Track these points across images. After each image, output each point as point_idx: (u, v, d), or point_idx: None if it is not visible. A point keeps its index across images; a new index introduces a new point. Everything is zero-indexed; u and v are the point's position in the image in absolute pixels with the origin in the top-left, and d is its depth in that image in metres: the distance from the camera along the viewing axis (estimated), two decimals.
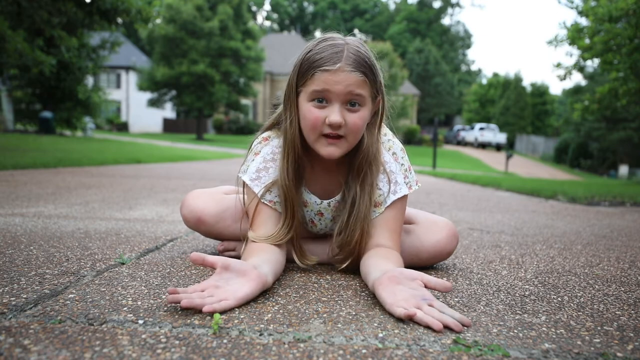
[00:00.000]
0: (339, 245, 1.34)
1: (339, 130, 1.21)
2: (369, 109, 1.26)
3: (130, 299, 1.06)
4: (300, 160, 1.31)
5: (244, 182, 1.36)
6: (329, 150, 1.24)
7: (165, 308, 1.00)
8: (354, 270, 1.34)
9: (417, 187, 1.41)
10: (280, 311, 1.02)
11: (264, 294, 1.14)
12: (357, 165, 1.31)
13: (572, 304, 1.17)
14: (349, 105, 1.21)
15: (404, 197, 1.35)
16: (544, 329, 0.98)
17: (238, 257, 1.49)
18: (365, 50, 1.24)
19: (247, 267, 1.09)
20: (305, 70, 1.21)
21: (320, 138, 1.24)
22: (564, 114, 35.42)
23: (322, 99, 1.21)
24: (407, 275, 1.07)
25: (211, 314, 0.95)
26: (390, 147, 1.39)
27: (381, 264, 1.18)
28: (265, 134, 1.38)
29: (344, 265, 1.35)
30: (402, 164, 1.39)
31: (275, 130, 1.37)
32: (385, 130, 1.40)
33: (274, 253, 1.24)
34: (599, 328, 1.00)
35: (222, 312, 0.97)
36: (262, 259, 1.18)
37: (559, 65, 10.65)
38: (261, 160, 1.34)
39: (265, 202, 1.32)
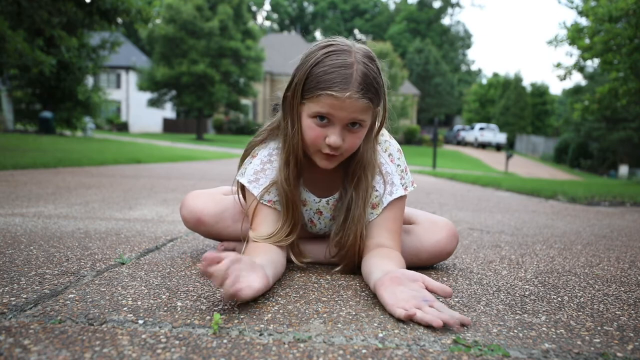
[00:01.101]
0: (336, 245, 1.35)
1: (337, 151, 1.22)
2: (369, 125, 1.26)
3: (130, 299, 1.06)
4: (301, 164, 1.31)
5: (241, 185, 1.36)
6: (325, 163, 1.26)
7: (165, 308, 1.00)
8: (354, 271, 1.34)
9: (413, 188, 1.41)
10: (280, 311, 1.02)
11: (264, 294, 1.14)
12: (352, 170, 1.32)
13: (572, 304, 1.17)
14: (350, 125, 1.21)
15: (402, 197, 1.36)
16: (544, 329, 0.98)
17: None
18: (373, 67, 1.20)
19: (255, 264, 1.09)
20: (311, 86, 1.18)
21: (318, 152, 1.25)
22: (564, 114, 35.42)
23: (324, 117, 1.20)
24: (408, 276, 1.07)
25: (232, 299, 0.97)
26: (386, 148, 1.39)
27: (383, 265, 1.18)
28: (261, 137, 1.38)
29: (339, 269, 1.36)
30: (398, 165, 1.39)
31: (271, 132, 1.37)
32: (382, 130, 1.40)
33: (275, 254, 1.24)
34: (599, 328, 1.00)
35: (237, 301, 0.99)
36: (265, 260, 1.18)
37: (559, 65, 10.65)
38: (258, 162, 1.35)
39: (264, 202, 1.32)
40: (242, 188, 1.38)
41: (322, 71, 1.17)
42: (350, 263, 1.34)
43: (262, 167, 1.34)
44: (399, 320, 0.97)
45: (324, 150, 1.22)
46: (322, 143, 1.22)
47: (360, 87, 1.16)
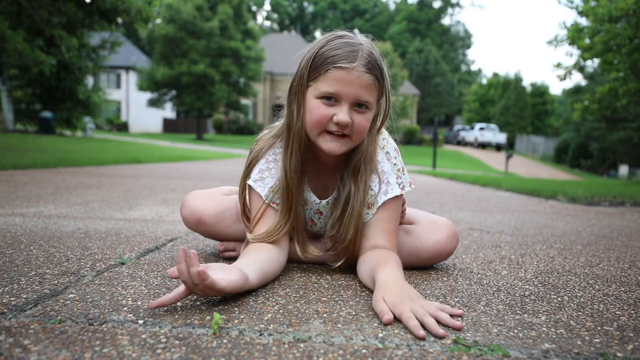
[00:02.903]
0: (332, 240, 1.34)
1: (345, 129, 1.22)
2: (374, 112, 1.27)
3: (130, 299, 1.06)
4: (304, 155, 1.31)
5: (245, 184, 1.36)
6: (331, 145, 1.24)
7: (165, 308, 1.00)
8: (354, 269, 1.34)
9: (410, 188, 1.40)
10: (280, 311, 1.02)
11: (264, 294, 1.14)
12: (354, 164, 1.32)
13: (572, 304, 1.17)
14: (357, 106, 1.22)
15: (397, 197, 1.34)
16: (544, 329, 0.98)
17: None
18: (376, 53, 1.25)
19: (229, 266, 1.09)
20: (318, 64, 1.20)
21: (323, 133, 1.24)
22: (564, 114, 35.41)
23: (330, 97, 1.21)
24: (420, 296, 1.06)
25: (211, 295, 0.98)
26: (384, 145, 1.38)
27: (380, 275, 1.14)
28: (267, 136, 1.38)
29: (338, 264, 1.35)
30: (395, 164, 1.38)
31: (278, 131, 1.37)
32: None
33: (267, 251, 1.24)
34: (599, 328, 1.00)
35: (215, 292, 0.98)
36: (248, 260, 1.18)
37: (559, 65, 10.65)
38: (264, 161, 1.35)
39: (269, 203, 1.32)
40: (244, 191, 1.37)
41: (329, 48, 1.21)
42: (350, 258, 1.34)
43: (268, 165, 1.34)
44: (397, 320, 0.97)
45: (331, 129, 1.22)
46: (329, 123, 1.22)
47: (366, 62, 1.20)
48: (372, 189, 1.33)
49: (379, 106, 1.30)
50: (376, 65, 1.22)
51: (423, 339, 0.88)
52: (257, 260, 1.19)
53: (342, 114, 1.20)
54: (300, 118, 1.25)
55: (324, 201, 1.40)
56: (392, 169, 1.37)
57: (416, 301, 1.00)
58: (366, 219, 1.33)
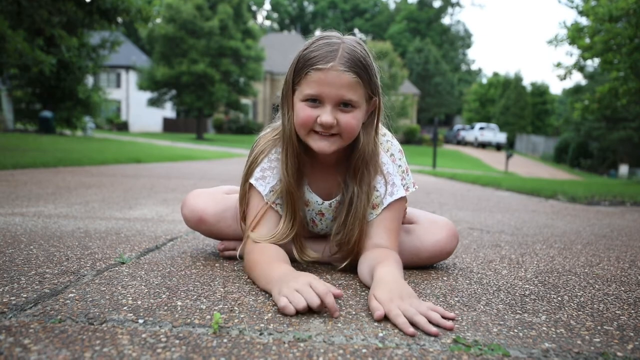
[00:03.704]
0: (337, 244, 1.35)
1: (331, 129, 1.22)
2: (364, 110, 1.26)
3: (130, 298, 1.06)
4: (300, 157, 1.31)
5: (245, 190, 1.36)
6: (320, 144, 1.24)
7: (166, 307, 1.00)
8: (354, 269, 1.34)
9: (414, 189, 1.41)
10: None
11: (264, 293, 1.14)
12: (354, 165, 1.31)
13: (572, 304, 1.17)
14: (342, 106, 1.22)
15: (402, 198, 1.36)
16: (544, 328, 0.98)
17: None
18: (361, 49, 1.24)
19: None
20: (300, 68, 1.22)
21: (311, 133, 1.25)
22: (564, 113, 35.40)
23: (315, 100, 1.22)
24: (412, 294, 1.05)
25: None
26: (388, 148, 1.39)
27: (377, 273, 1.14)
28: (272, 135, 1.38)
29: (343, 265, 1.35)
30: (399, 166, 1.39)
31: (279, 134, 1.37)
32: (384, 130, 1.40)
33: (283, 252, 1.26)
34: (599, 327, 1.00)
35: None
36: (282, 261, 1.21)
37: (559, 64, 10.65)
38: (266, 160, 1.35)
39: (268, 202, 1.32)
40: (244, 197, 1.38)
41: (310, 51, 1.21)
42: (354, 259, 1.34)
43: (270, 164, 1.35)
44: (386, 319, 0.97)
45: (317, 129, 1.23)
46: (314, 124, 1.22)
47: (345, 60, 1.19)
48: (377, 190, 1.34)
49: (373, 103, 1.29)
50: (358, 62, 1.20)
51: (412, 336, 0.88)
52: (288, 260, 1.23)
53: (325, 115, 1.20)
54: (290, 121, 1.27)
55: (326, 202, 1.40)
56: (397, 171, 1.38)
57: (406, 300, 0.99)
58: (370, 219, 1.33)
